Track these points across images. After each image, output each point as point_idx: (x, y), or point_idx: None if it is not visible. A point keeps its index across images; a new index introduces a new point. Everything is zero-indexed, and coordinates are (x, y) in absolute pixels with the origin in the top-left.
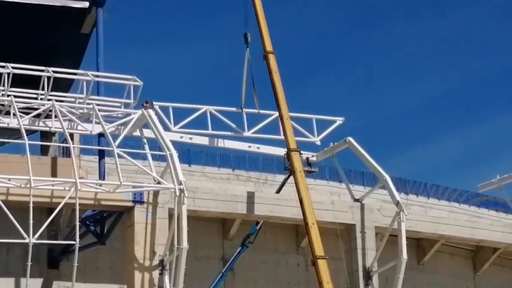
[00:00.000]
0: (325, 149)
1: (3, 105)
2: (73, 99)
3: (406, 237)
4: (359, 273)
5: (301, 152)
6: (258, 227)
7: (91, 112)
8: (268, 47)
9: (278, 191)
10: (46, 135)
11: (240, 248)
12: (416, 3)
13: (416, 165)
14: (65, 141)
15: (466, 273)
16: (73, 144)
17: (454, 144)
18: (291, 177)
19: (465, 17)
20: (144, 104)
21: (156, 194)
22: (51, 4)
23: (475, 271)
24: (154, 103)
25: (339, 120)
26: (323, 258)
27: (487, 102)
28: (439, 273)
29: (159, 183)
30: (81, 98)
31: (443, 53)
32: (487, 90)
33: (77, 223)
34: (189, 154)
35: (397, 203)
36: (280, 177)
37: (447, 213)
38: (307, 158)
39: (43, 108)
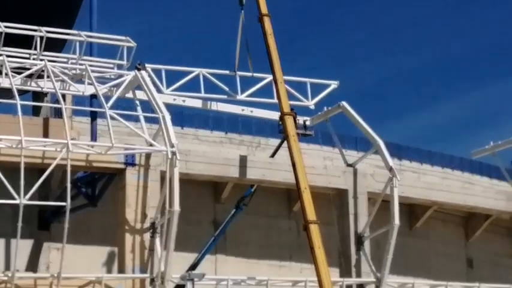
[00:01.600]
0: (319, 113)
1: None
2: (65, 60)
3: (399, 203)
4: (351, 238)
5: (297, 115)
6: (253, 189)
7: (83, 73)
8: (263, 9)
9: (273, 155)
10: (38, 96)
11: (234, 210)
12: None
13: (411, 131)
14: (56, 101)
15: (458, 240)
16: (65, 105)
17: (449, 111)
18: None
19: None
20: (137, 66)
21: (148, 156)
22: None
23: (467, 238)
24: (146, 65)
25: (334, 84)
26: (315, 223)
27: (483, 68)
28: (431, 239)
29: (151, 145)
30: (74, 59)
31: (441, 18)
32: (482, 56)
33: (68, 184)
34: (181, 117)
35: (390, 169)
36: (273, 141)
37: (440, 180)
38: (304, 121)
39: (35, 68)
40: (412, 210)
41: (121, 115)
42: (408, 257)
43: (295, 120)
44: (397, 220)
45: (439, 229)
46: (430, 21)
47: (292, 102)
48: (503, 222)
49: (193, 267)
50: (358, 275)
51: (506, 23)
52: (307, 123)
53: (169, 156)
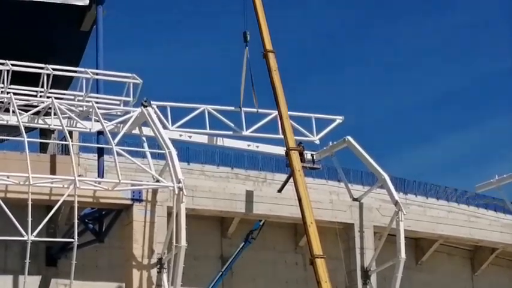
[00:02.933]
0: (324, 148)
1: (2, 102)
2: (72, 97)
3: (405, 237)
4: (357, 272)
5: (304, 148)
6: (261, 223)
7: (90, 110)
8: (268, 45)
9: (280, 190)
10: (45, 133)
11: (243, 243)
12: (418, 2)
13: (416, 165)
14: (64, 138)
15: (464, 273)
16: (72, 141)
17: (453, 145)
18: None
19: (463, 16)
20: (143, 103)
21: (154, 192)
22: (52, 1)
23: (473, 271)
24: (152, 102)
25: (339, 119)
26: (321, 257)
27: (487, 103)
28: (437, 273)
29: (157, 181)
30: (81, 96)
31: (443, 53)
32: (486, 90)
33: (76, 221)
34: (188, 152)
35: (396, 203)
36: (279, 176)
37: (446, 213)
38: (312, 154)
39: (42, 105)
40: (418, 244)
41: (128, 151)
42: None
43: (303, 154)
44: (403, 254)
45: (445, 263)
46: (433, 56)
47: (297, 137)
48: (509, 255)
49: None
50: None
51: (505, 55)
52: (314, 157)
53: (176, 192)
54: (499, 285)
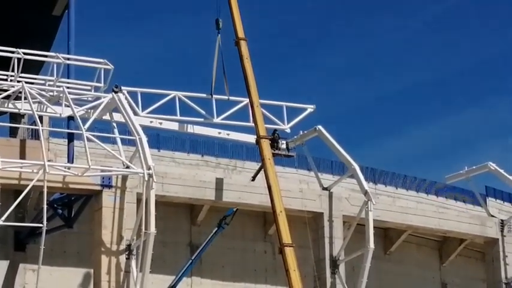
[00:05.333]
0: (295, 137)
1: None
2: (43, 82)
3: (374, 227)
4: (326, 261)
5: (279, 136)
6: (234, 209)
7: (61, 95)
8: (240, 33)
9: (253, 178)
10: (15, 117)
11: (216, 228)
12: None
13: (387, 155)
14: (34, 123)
15: (432, 264)
16: (42, 126)
17: (424, 135)
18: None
19: (438, 9)
20: (114, 88)
21: (124, 178)
22: None
23: (441, 262)
24: (123, 88)
25: (310, 108)
26: (290, 246)
27: (458, 95)
28: (406, 263)
29: (127, 167)
30: (51, 81)
31: (417, 45)
32: (458, 81)
33: (45, 206)
34: (158, 139)
35: (365, 192)
36: (250, 164)
37: (415, 204)
38: (286, 142)
39: (13, 89)
40: (387, 234)
41: (98, 137)
42: (383, 280)
43: (278, 142)
44: (371, 244)
45: (414, 253)
46: (408, 47)
47: (268, 126)
48: (477, 247)
49: None
50: None
51: (480, 49)
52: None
53: (146, 179)
54: (467, 276)
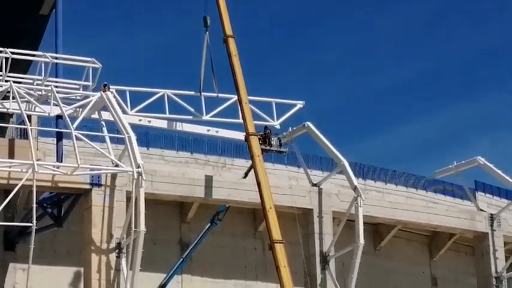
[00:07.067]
0: (284, 133)
1: None
2: (31, 81)
3: (363, 222)
4: (316, 257)
5: (271, 132)
6: (227, 205)
7: (49, 94)
8: (228, 30)
9: (245, 176)
10: (3, 117)
11: (208, 224)
12: None
13: (376, 151)
14: (22, 122)
15: (422, 259)
16: (31, 126)
17: (414, 131)
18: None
19: (426, 4)
20: (103, 87)
21: (114, 176)
22: None
23: (431, 257)
24: (111, 87)
25: (299, 104)
26: (280, 243)
27: (447, 90)
28: (396, 258)
29: (117, 166)
30: (40, 80)
31: (405, 41)
32: (448, 77)
33: (34, 205)
34: (147, 137)
35: (355, 188)
36: (239, 161)
37: (404, 199)
38: (278, 138)
39: (1, 89)
40: (376, 229)
41: (87, 136)
42: (373, 276)
43: (269, 138)
44: (361, 239)
45: (404, 248)
46: (398, 43)
47: (257, 122)
48: (466, 241)
49: (161, 287)
50: None
51: (472, 45)
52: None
53: (135, 177)
54: (457, 271)
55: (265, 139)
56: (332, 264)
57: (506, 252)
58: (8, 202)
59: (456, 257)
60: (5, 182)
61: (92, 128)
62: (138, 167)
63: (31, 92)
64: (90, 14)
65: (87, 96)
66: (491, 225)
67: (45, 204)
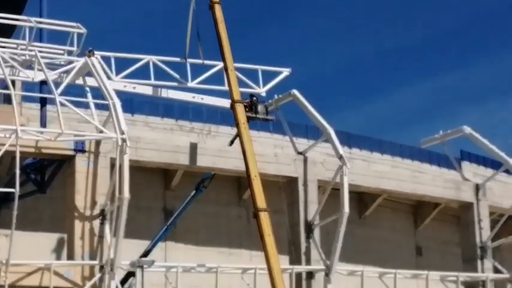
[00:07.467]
0: (270, 101)
1: None
2: (15, 46)
3: (349, 191)
4: (300, 226)
5: (258, 100)
6: (212, 173)
7: (33, 59)
8: None
9: (231, 143)
10: None
11: (194, 191)
12: None
13: (363, 120)
14: (6, 87)
15: (407, 228)
16: (14, 91)
17: (401, 100)
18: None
19: None
20: (87, 53)
21: (98, 143)
22: None
23: (416, 226)
24: (96, 52)
25: (286, 72)
26: (265, 211)
27: (436, 59)
28: (381, 227)
29: (101, 132)
30: (24, 45)
31: (396, 8)
32: (436, 46)
33: (17, 171)
34: (132, 104)
35: (340, 157)
36: (224, 129)
37: (390, 168)
38: (265, 105)
39: None
40: (361, 198)
41: (71, 101)
42: (358, 244)
43: (256, 105)
44: (346, 208)
45: (389, 217)
46: (386, 10)
47: (243, 90)
48: (451, 211)
49: (145, 254)
50: (308, 262)
51: (458, 13)
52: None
53: (119, 143)
54: (441, 240)
55: (251, 107)
56: (317, 232)
57: (491, 222)
58: None
59: (441, 227)
60: None
61: (76, 93)
62: (123, 133)
63: (15, 56)
64: None
65: (71, 62)
66: (477, 195)
67: (28, 170)
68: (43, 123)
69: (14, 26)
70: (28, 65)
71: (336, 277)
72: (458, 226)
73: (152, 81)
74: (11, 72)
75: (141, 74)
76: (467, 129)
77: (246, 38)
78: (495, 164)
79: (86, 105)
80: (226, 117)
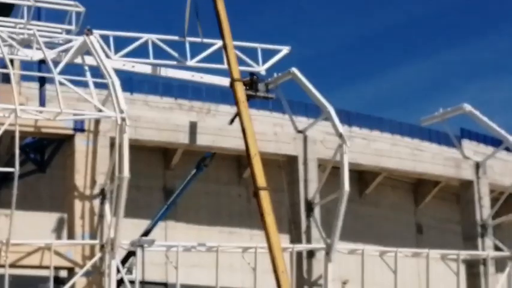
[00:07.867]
0: (269, 79)
1: None
2: (13, 24)
3: (349, 170)
4: (301, 205)
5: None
6: (213, 152)
7: (32, 38)
8: None
9: (231, 122)
10: None
11: (194, 170)
12: None
13: (363, 98)
14: (4, 67)
15: (407, 206)
16: (13, 70)
17: (401, 78)
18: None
19: None
20: (86, 31)
21: (97, 122)
22: None
23: (416, 204)
24: (94, 31)
25: (285, 50)
26: (265, 190)
27: (437, 36)
28: (381, 205)
29: (100, 111)
30: (22, 23)
31: None
32: (437, 23)
33: (17, 150)
34: (131, 82)
35: (340, 135)
36: (224, 107)
37: (390, 146)
38: (266, 83)
39: None
40: (362, 176)
41: (70, 80)
42: (358, 223)
43: (257, 84)
44: (347, 186)
45: (389, 195)
46: None
47: (242, 68)
48: (451, 189)
49: (146, 233)
50: (308, 241)
51: None
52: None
53: (119, 122)
54: (441, 218)
55: (251, 85)
56: (317, 211)
57: (491, 200)
58: None
59: (441, 205)
60: None
61: (75, 72)
62: (122, 112)
63: (13, 35)
64: None
65: (70, 41)
66: (477, 173)
67: (27, 150)
68: (42, 103)
69: (12, 5)
70: (27, 44)
71: (336, 255)
72: (458, 204)
73: (151, 60)
74: (10, 51)
75: (140, 52)
76: (468, 107)
77: (245, 16)
78: (495, 142)
79: (85, 84)
80: (226, 95)
